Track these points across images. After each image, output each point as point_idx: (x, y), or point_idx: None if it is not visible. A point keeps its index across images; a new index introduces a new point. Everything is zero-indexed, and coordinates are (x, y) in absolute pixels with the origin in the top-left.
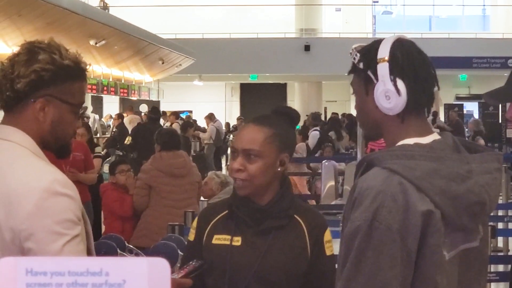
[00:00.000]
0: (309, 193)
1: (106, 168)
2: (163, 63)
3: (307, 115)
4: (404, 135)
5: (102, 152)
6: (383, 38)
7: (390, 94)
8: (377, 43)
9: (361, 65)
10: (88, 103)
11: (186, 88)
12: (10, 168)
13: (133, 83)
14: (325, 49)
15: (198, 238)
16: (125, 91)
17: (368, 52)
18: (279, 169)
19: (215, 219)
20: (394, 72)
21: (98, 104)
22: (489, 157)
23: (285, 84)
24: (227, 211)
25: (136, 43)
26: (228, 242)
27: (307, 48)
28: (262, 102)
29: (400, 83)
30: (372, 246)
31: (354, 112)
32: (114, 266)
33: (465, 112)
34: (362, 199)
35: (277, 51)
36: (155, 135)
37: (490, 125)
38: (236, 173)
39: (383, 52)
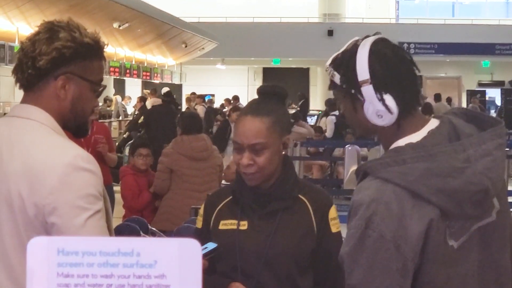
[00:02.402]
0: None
1: (127, 151)
2: (186, 46)
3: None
4: (398, 136)
5: (125, 135)
6: (355, 47)
7: (381, 113)
8: (352, 58)
9: (344, 85)
10: (110, 85)
11: (208, 72)
12: (33, 145)
13: (156, 66)
14: (348, 34)
15: (205, 225)
16: (148, 74)
17: (347, 71)
18: (283, 152)
19: (220, 205)
20: (380, 89)
21: (120, 87)
22: (488, 136)
23: (308, 68)
24: (231, 197)
25: (159, 26)
26: (234, 227)
27: (330, 33)
28: (285, 86)
29: (389, 99)
30: (365, 255)
31: None
32: (145, 247)
33: (487, 98)
34: (356, 210)
35: (300, 35)
36: (177, 118)
37: None
38: (246, 168)
39: (363, 72)
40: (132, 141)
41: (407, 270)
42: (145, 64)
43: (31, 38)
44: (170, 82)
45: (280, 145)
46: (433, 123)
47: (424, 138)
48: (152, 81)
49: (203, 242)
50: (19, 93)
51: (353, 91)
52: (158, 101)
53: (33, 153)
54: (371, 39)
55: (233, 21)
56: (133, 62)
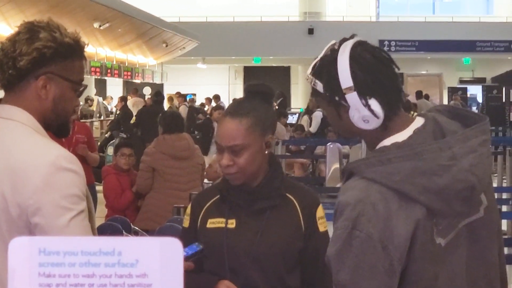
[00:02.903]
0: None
1: (110, 151)
2: (166, 46)
3: (310, 98)
4: (383, 137)
5: (106, 135)
6: (334, 52)
7: (367, 118)
8: (332, 65)
9: (327, 93)
10: (91, 85)
11: (189, 71)
12: (15, 145)
13: (137, 66)
14: (328, 32)
15: (192, 224)
16: (129, 74)
17: (329, 79)
18: (266, 152)
19: (208, 204)
20: (364, 95)
21: (101, 87)
22: (472, 133)
23: (289, 67)
24: (219, 196)
25: (140, 26)
26: (222, 225)
27: (310, 31)
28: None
29: (374, 103)
30: (352, 256)
31: None
32: (127, 246)
33: (468, 95)
34: (342, 210)
35: (280, 34)
36: (159, 117)
37: (494, 108)
38: (226, 168)
39: (346, 80)
40: (113, 140)
41: (394, 271)
42: (126, 64)
43: (11, 39)
44: (151, 81)
45: (262, 144)
46: (418, 122)
47: (409, 137)
48: (133, 80)
49: (190, 241)
50: (1, 94)
51: (337, 98)
52: (139, 100)
53: (15, 153)
54: (349, 44)
55: (213, 20)
56: (114, 62)
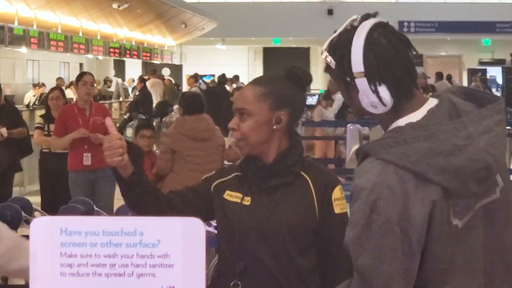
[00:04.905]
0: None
1: (129, 132)
2: (185, 26)
3: (330, 80)
4: (396, 117)
5: (125, 116)
6: (352, 31)
7: (375, 105)
8: (347, 47)
9: (340, 72)
10: (110, 66)
11: (208, 52)
12: None
13: (156, 47)
14: (348, 13)
15: (206, 182)
16: (148, 54)
17: (342, 61)
18: (275, 127)
19: (229, 176)
20: (374, 81)
21: (120, 68)
22: (487, 113)
23: (308, 48)
24: (239, 173)
25: (159, 7)
26: (238, 201)
27: (330, 12)
28: (285, 66)
29: (383, 90)
30: (372, 240)
31: None
32: (148, 226)
33: (488, 77)
34: (359, 194)
35: (300, 15)
36: (179, 98)
37: None
38: (233, 133)
39: (357, 64)
40: (132, 122)
41: (413, 253)
42: (145, 45)
43: None
44: (170, 62)
45: (271, 118)
46: (432, 102)
47: (424, 117)
48: (152, 61)
49: (194, 190)
50: (19, 75)
51: (348, 79)
52: (158, 81)
53: None
54: (368, 25)
55: (233, 1)
56: (133, 43)
